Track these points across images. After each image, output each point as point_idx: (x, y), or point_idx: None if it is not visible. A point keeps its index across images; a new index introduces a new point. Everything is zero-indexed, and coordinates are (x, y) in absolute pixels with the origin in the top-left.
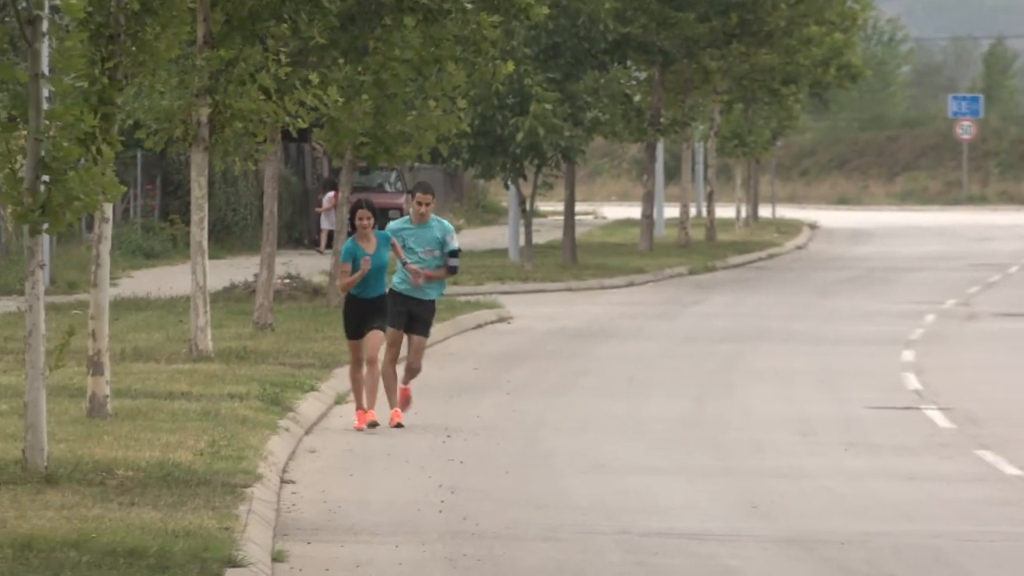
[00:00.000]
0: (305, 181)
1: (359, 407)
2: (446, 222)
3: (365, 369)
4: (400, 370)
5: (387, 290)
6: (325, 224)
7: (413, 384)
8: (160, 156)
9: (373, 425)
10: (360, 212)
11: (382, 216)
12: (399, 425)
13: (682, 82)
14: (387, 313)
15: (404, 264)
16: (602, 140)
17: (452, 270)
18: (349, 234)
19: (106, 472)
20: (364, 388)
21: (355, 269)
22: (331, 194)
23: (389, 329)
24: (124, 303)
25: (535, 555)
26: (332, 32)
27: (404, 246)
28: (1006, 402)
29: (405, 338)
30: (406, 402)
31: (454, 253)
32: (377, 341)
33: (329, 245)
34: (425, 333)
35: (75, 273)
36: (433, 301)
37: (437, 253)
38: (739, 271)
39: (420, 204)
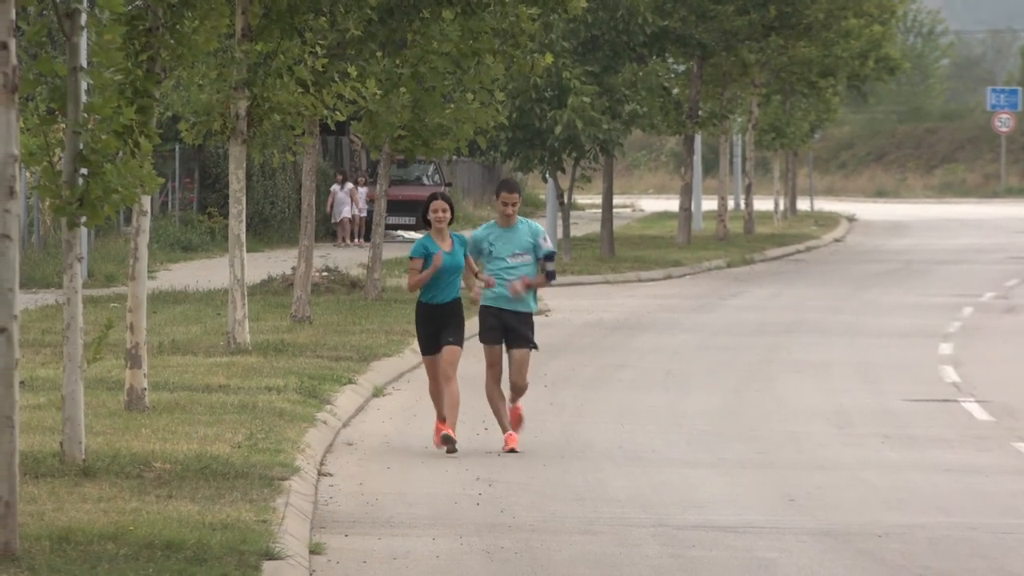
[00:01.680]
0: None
1: (439, 418)
2: (534, 223)
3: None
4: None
5: (480, 304)
6: (345, 213)
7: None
8: (198, 149)
9: (447, 440)
10: (435, 204)
11: (419, 208)
12: (512, 451)
13: (720, 75)
14: (463, 323)
15: (476, 275)
16: (640, 133)
17: (550, 276)
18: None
19: (143, 465)
20: (444, 404)
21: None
22: (349, 185)
23: (485, 348)
24: (162, 296)
25: (572, 548)
26: (370, 25)
27: (489, 254)
28: None
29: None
30: (519, 422)
31: (550, 256)
32: (453, 358)
33: (354, 236)
34: (527, 346)
35: (113, 266)
36: (531, 313)
37: (528, 258)
38: (777, 264)
39: (506, 204)
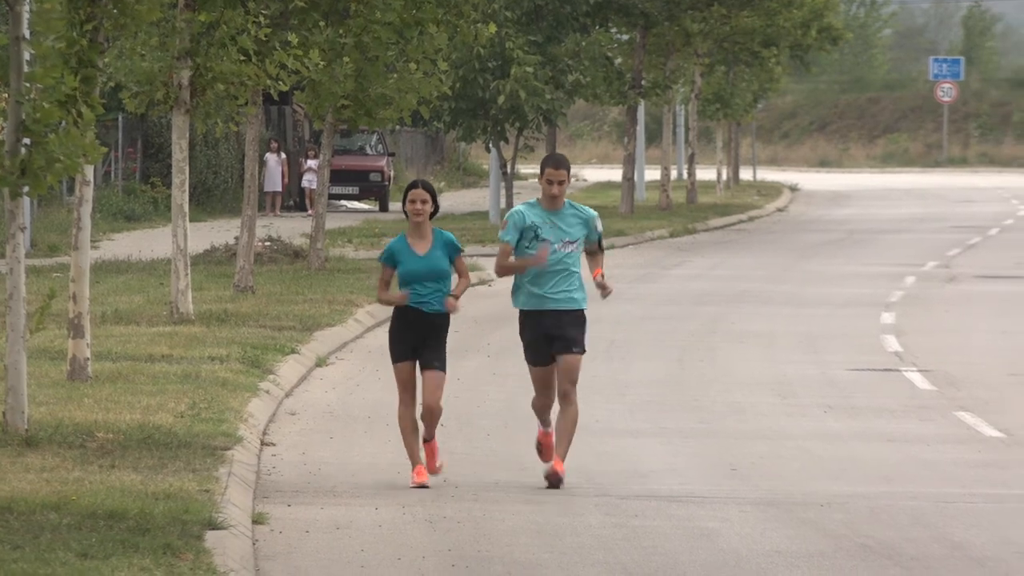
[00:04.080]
0: (286, 144)
1: (415, 463)
2: (584, 207)
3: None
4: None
5: (519, 310)
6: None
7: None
8: (141, 119)
9: (423, 487)
10: (413, 194)
11: (362, 178)
12: (555, 485)
13: (663, 45)
14: (444, 343)
15: (535, 261)
16: (583, 103)
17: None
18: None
19: (86, 435)
20: (417, 438)
21: (402, 283)
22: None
23: (534, 370)
24: (105, 266)
25: (515, 517)
26: None
27: (536, 238)
28: (985, 364)
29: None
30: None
31: (600, 242)
32: (435, 385)
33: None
34: (578, 350)
35: (56, 236)
36: (582, 310)
37: (575, 248)
38: (720, 234)
39: (551, 183)
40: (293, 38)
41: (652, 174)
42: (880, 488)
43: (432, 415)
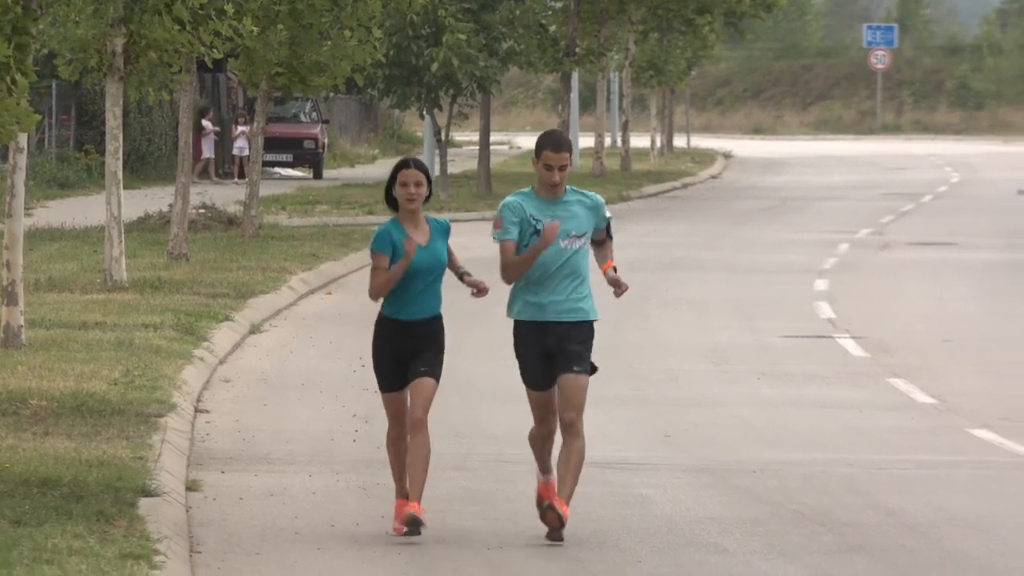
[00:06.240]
0: (220, 112)
1: (399, 495)
2: (590, 192)
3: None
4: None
5: (514, 320)
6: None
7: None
8: (75, 86)
9: (414, 522)
10: (404, 174)
11: (296, 145)
12: (556, 530)
13: (597, 12)
14: (442, 349)
15: (540, 244)
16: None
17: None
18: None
19: (20, 402)
20: (406, 467)
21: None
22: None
23: (535, 395)
24: (38, 233)
25: (448, 483)
26: None
27: (536, 233)
28: (919, 331)
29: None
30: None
31: (609, 229)
32: (426, 394)
33: (242, 174)
34: (580, 368)
35: None
36: (591, 322)
37: (584, 242)
38: (653, 201)
39: (551, 169)
40: (228, 6)
41: (586, 141)
42: (813, 455)
43: (418, 444)
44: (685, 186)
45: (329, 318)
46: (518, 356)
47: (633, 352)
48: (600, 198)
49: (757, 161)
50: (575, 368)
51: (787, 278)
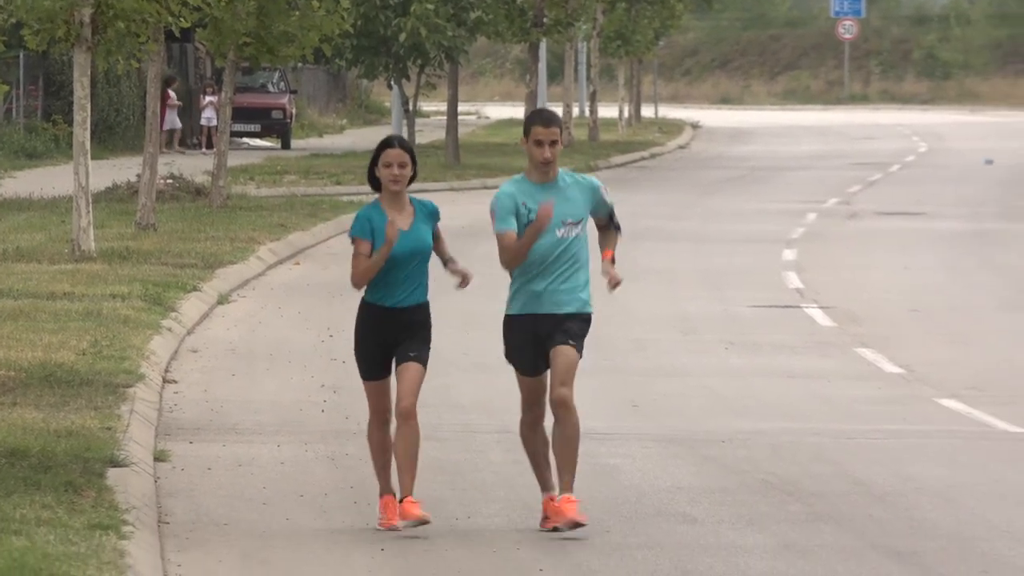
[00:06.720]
0: (188, 82)
1: (384, 491)
2: (585, 175)
3: (393, 426)
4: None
5: (505, 315)
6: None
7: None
8: (43, 56)
9: (418, 524)
10: (388, 154)
11: (264, 116)
12: (577, 524)
13: None
14: (429, 335)
15: (537, 229)
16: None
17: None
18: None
19: None
20: (395, 460)
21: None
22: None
23: (526, 380)
24: (6, 204)
25: None
26: None
27: (527, 225)
28: (886, 301)
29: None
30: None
31: (612, 215)
32: (414, 380)
33: (210, 144)
34: (579, 345)
35: None
36: (589, 314)
37: (581, 228)
38: (621, 171)
39: (541, 144)
40: None
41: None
42: (781, 424)
43: (407, 434)
44: (653, 156)
45: (297, 288)
46: (506, 342)
47: (601, 322)
48: (597, 181)
49: (725, 131)
50: (569, 341)
51: (755, 248)
